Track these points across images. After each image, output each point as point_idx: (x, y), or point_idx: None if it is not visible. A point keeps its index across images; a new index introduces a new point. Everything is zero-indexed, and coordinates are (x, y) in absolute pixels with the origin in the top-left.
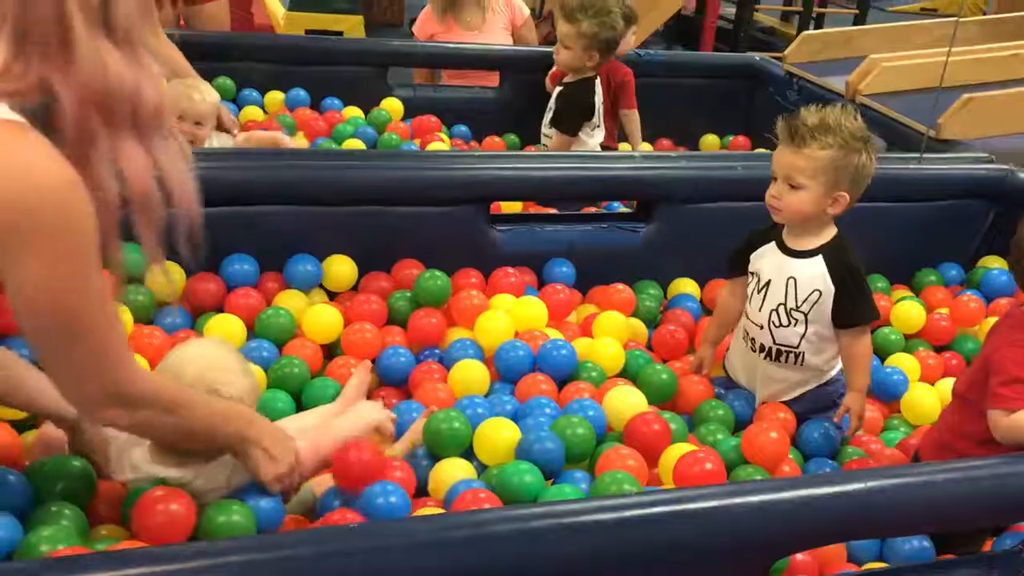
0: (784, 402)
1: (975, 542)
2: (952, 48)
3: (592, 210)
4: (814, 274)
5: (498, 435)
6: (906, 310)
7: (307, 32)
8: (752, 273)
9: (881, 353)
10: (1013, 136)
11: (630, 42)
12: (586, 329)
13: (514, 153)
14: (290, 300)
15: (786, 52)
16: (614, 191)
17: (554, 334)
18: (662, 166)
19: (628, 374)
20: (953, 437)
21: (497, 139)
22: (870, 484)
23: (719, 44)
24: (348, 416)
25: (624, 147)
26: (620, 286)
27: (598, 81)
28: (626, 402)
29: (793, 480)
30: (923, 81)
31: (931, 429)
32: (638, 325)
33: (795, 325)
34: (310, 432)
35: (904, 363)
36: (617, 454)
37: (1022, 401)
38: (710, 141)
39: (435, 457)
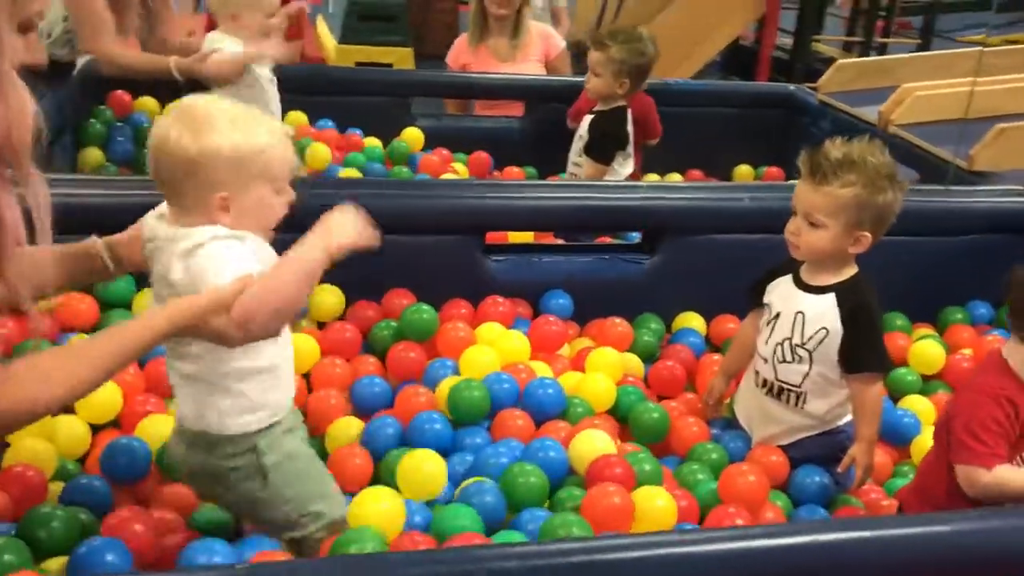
0: (782, 446)
1: None
2: (989, 77)
3: (607, 240)
4: (823, 311)
5: (421, 467)
6: (924, 350)
7: (357, 64)
8: (766, 304)
9: (896, 394)
10: None
11: None
12: (578, 363)
13: (511, 182)
14: None
15: (820, 81)
16: (616, 221)
17: (542, 368)
18: (667, 196)
19: (619, 412)
20: (929, 482)
21: (516, 169)
22: (803, 539)
23: (777, 75)
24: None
25: (652, 177)
26: (617, 320)
27: (629, 111)
28: (593, 445)
29: (719, 532)
30: (958, 111)
31: (914, 480)
32: (633, 360)
33: (799, 363)
34: None
35: (918, 406)
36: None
37: (994, 458)
38: (743, 172)
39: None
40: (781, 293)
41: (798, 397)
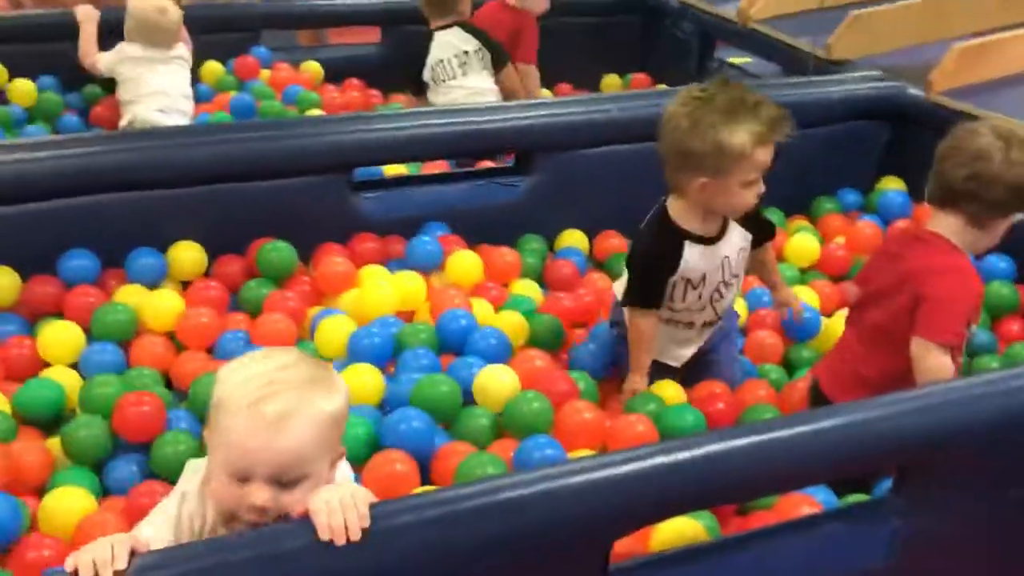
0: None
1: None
2: None
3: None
4: (737, 238)
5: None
6: (800, 243)
7: None
8: (681, 279)
9: None
10: (906, 50)
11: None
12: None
13: (374, 115)
14: (132, 295)
15: None
16: (487, 144)
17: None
18: (535, 114)
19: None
20: (872, 372)
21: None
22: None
23: None
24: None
25: None
26: (504, 250)
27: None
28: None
29: (620, 455)
30: (814, 0)
31: (832, 359)
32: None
33: (733, 287)
34: None
35: (803, 297)
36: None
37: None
38: (610, 82)
39: None
40: (699, 261)
41: (729, 309)
